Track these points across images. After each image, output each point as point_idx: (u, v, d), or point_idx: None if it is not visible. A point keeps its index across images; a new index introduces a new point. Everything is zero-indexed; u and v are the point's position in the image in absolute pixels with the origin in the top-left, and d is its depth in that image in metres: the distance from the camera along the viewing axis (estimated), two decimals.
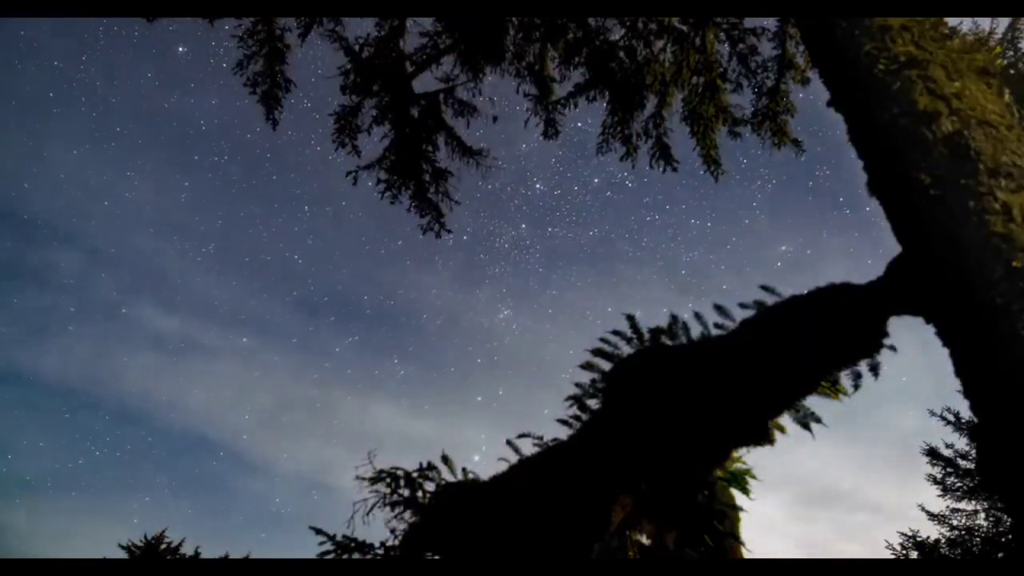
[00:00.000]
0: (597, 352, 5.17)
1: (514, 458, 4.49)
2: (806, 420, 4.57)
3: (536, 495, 3.67)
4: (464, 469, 4.47)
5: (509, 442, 4.89)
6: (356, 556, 4.13)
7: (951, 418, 13.21)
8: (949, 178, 2.19)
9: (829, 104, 3.06)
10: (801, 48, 7.22)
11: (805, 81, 7.49)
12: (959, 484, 13.37)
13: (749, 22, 7.23)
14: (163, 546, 19.17)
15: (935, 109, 2.37)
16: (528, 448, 4.77)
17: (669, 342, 4.97)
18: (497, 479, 4.08)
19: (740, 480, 5.15)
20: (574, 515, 3.58)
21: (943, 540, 13.03)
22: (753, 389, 3.51)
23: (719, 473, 5.05)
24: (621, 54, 7.45)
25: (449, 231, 7.77)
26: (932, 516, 13.49)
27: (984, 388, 1.98)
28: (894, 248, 2.77)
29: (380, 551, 4.09)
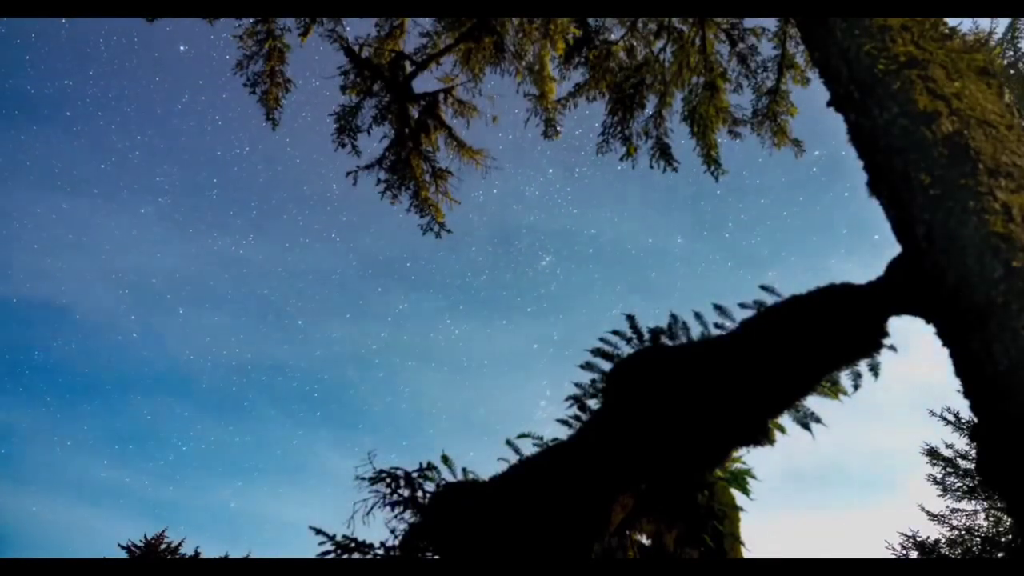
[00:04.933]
0: (597, 352, 5.17)
1: (514, 458, 4.49)
2: (806, 420, 4.58)
3: (536, 495, 3.67)
4: (464, 469, 4.47)
5: (509, 442, 4.90)
6: (356, 556, 4.13)
7: (951, 418, 13.22)
8: (949, 178, 2.19)
9: (829, 104, 3.06)
10: (801, 48, 7.22)
11: (805, 81, 7.50)
12: (959, 484, 13.37)
13: (749, 22, 7.23)
14: (163, 546, 19.18)
15: (935, 109, 2.37)
16: (528, 448, 4.78)
17: (669, 342, 4.98)
18: (497, 479, 4.08)
19: (740, 480, 5.15)
20: (574, 515, 3.58)
21: (943, 540, 13.03)
22: (753, 389, 3.51)
23: (719, 473, 5.06)
24: (621, 54, 7.45)
25: (449, 231, 7.78)
26: (932, 516, 13.50)
27: (984, 388, 1.98)
28: (894, 248, 2.77)
29: (380, 551, 4.09)
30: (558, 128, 7.92)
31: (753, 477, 5.22)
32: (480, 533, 3.63)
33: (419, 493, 4.20)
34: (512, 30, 7.15)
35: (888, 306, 3.19)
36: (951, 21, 2.88)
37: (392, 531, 4.10)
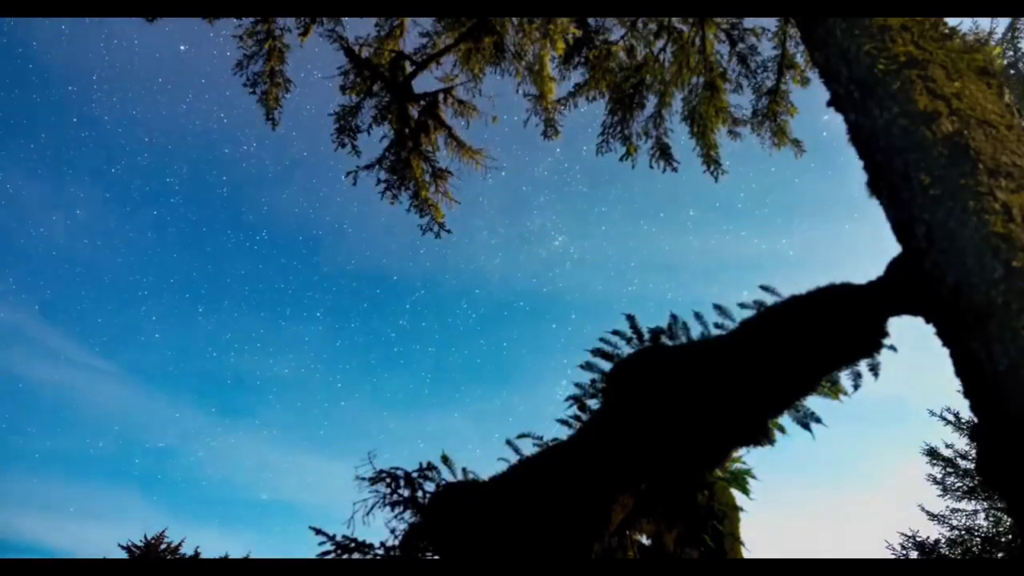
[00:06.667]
0: (597, 352, 5.17)
1: (514, 458, 4.49)
2: (806, 420, 4.58)
3: (536, 495, 3.67)
4: (464, 469, 4.47)
5: (509, 442, 4.90)
6: (356, 556, 4.13)
7: (951, 418, 13.22)
8: (949, 178, 2.19)
9: (829, 104, 3.06)
10: (801, 48, 7.22)
11: (805, 81, 7.50)
12: (959, 484, 13.37)
13: (749, 22, 7.23)
14: (163, 546, 19.18)
15: (935, 109, 2.37)
16: (528, 448, 4.78)
17: (669, 342, 4.98)
18: (497, 479, 4.08)
19: (740, 480, 5.15)
20: (574, 515, 3.58)
21: (943, 540, 13.03)
22: (753, 389, 3.51)
23: (719, 473, 5.06)
24: (621, 54, 7.45)
25: (449, 231, 7.77)
26: (932, 516, 13.50)
27: (984, 388, 1.98)
28: (894, 248, 2.77)
29: (380, 551, 4.09)
30: (558, 128, 7.92)
31: (753, 477, 5.22)
32: (480, 533, 3.63)
33: (419, 493, 4.20)
34: (512, 30, 7.15)
35: (888, 306, 3.19)
36: (951, 21, 2.89)
37: (392, 531, 4.11)
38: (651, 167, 7.92)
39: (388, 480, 4.26)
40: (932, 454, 13.78)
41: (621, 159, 7.93)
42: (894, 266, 3.13)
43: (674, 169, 7.91)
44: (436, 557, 3.90)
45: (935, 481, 13.70)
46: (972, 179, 2.12)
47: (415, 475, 4.28)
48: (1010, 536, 12.25)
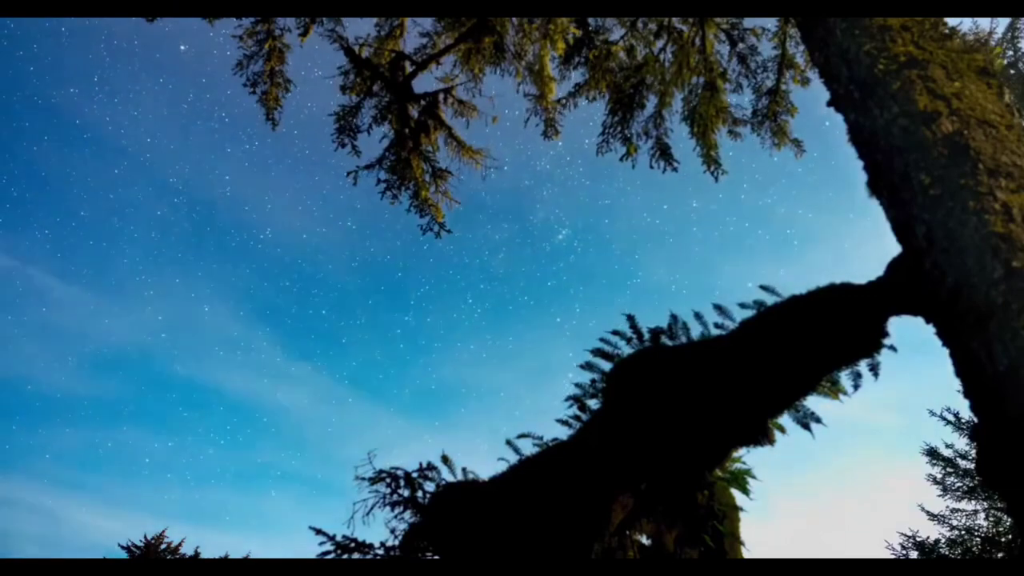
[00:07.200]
0: (597, 352, 5.17)
1: (514, 458, 4.49)
2: (806, 420, 4.57)
3: (536, 495, 3.67)
4: (464, 469, 4.47)
5: (509, 442, 4.89)
6: (356, 556, 4.13)
7: (951, 418, 13.21)
8: (949, 178, 2.19)
9: (829, 104, 3.06)
10: (801, 48, 7.22)
11: (805, 81, 7.50)
12: (959, 484, 13.36)
13: (749, 22, 7.24)
14: (163, 546, 19.18)
15: (935, 109, 2.37)
16: (528, 448, 4.78)
17: (669, 342, 4.98)
18: (497, 479, 4.08)
19: (740, 480, 5.15)
20: (574, 515, 3.58)
21: (943, 540, 13.03)
22: (753, 389, 3.51)
23: (719, 473, 5.05)
24: (621, 54, 7.45)
25: (449, 231, 7.77)
26: (932, 516, 13.49)
27: (984, 388, 1.98)
28: (894, 248, 2.77)
29: (380, 551, 4.09)
30: (558, 128, 7.92)
31: (753, 477, 5.22)
32: (480, 533, 3.63)
33: (419, 493, 4.20)
34: (512, 30, 7.15)
35: (888, 306, 3.19)
36: (951, 21, 2.89)
37: (392, 531, 4.11)
38: (651, 167, 7.92)
39: (388, 480, 4.26)
40: (932, 454, 13.77)
41: (621, 159, 7.94)
42: (894, 266, 3.13)
43: (674, 169, 7.91)
44: (436, 557, 3.90)
45: (935, 481, 13.70)
46: (972, 179, 2.12)
47: (415, 475, 4.28)
48: (1010, 536, 12.25)
